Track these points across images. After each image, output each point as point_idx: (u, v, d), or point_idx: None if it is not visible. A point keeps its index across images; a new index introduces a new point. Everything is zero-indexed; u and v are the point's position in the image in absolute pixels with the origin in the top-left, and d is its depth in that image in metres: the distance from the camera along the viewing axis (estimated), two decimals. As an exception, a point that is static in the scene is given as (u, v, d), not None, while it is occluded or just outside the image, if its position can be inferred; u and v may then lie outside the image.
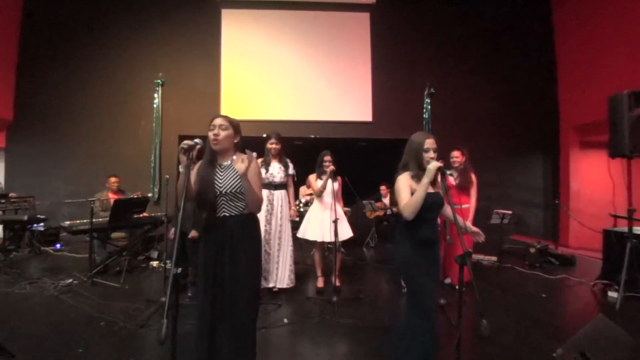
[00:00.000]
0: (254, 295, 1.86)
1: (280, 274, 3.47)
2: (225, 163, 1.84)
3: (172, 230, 3.67)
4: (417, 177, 1.87)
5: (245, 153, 1.86)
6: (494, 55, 6.63)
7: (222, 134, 1.78)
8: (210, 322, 1.74)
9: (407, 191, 1.85)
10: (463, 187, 3.63)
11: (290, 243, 3.56)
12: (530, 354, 2.32)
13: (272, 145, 3.46)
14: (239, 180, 1.77)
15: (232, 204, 1.80)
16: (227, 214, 1.80)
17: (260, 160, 3.47)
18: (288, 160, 3.58)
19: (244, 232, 1.82)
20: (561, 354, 1.56)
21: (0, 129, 6.07)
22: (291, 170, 3.59)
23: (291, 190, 3.64)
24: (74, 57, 6.29)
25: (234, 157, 1.83)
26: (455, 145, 3.72)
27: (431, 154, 1.87)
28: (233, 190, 1.78)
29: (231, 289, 1.76)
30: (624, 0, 5.22)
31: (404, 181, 1.88)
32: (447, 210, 2.06)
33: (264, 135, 3.58)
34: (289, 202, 3.59)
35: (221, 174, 1.81)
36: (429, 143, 1.89)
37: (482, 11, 6.67)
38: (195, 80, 6.47)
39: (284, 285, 3.47)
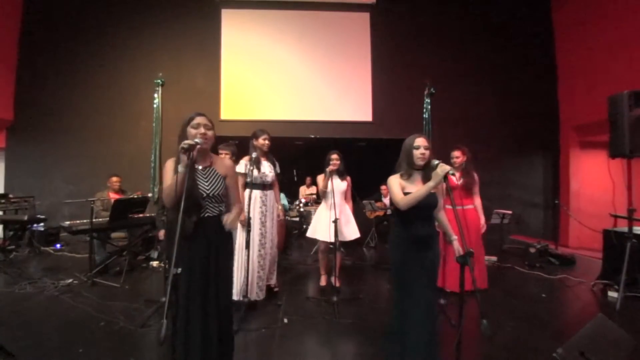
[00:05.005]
0: (230, 293, 2.00)
1: (269, 273, 3.36)
2: (205, 165, 1.84)
3: (162, 231, 3.69)
4: (407, 175, 1.96)
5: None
6: (494, 56, 6.63)
7: (209, 133, 1.80)
8: (202, 323, 1.72)
9: (399, 189, 1.94)
10: (468, 187, 3.55)
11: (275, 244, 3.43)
12: (530, 354, 2.32)
13: (265, 141, 3.22)
14: (222, 183, 1.83)
15: (214, 205, 1.82)
16: (210, 215, 1.81)
17: (246, 158, 3.27)
18: (274, 158, 3.41)
19: (226, 232, 1.86)
20: (561, 354, 1.56)
21: (0, 129, 6.08)
22: (278, 169, 3.42)
23: (277, 189, 3.48)
24: (74, 57, 6.29)
25: (213, 159, 1.88)
26: (456, 144, 3.65)
27: (421, 151, 1.92)
28: (217, 193, 1.81)
29: (218, 289, 1.78)
30: (624, 0, 5.23)
31: (393, 181, 1.97)
32: (440, 215, 2.05)
33: (253, 133, 3.33)
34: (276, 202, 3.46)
35: (204, 176, 1.81)
36: (419, 141, 1.94)
37: (482, 11, 6.67)
38: (195, 80, 6.48)
39: (271, 282, 3.39)
